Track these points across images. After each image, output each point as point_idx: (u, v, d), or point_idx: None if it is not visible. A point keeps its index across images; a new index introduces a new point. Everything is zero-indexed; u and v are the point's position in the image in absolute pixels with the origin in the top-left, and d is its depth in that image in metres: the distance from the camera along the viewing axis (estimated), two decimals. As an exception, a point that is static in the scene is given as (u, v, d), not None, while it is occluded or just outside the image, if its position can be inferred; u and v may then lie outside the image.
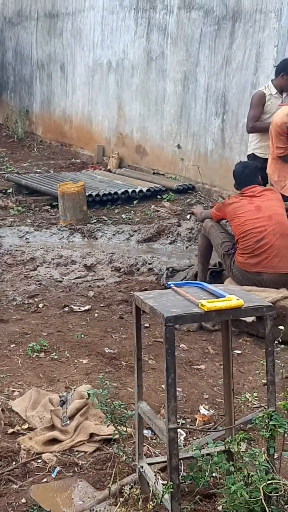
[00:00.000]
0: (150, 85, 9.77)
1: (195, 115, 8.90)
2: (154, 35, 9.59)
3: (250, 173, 5.01)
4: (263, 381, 3.91)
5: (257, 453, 2.51)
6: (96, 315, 5.04)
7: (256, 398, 3.69)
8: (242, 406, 3.70)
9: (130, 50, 10.14)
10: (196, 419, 3.60)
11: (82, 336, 4.61)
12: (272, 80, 6.13)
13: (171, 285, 2.89)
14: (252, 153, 6.23)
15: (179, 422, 3.46)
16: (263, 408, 3.65)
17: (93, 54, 11.13)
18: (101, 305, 5.26)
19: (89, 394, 3.10)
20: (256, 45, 7.81)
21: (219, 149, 8.52)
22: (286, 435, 2.71)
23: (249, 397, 3.68)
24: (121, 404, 3.12)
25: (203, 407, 3.74)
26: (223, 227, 5.30)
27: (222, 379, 3.88)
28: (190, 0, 8.80)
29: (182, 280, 5.64)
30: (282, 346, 3.89)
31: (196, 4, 8.70)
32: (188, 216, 7.70)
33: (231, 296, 2.62)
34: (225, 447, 2.71)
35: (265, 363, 3.89)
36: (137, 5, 9.91)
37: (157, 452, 3.27)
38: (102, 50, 10.86)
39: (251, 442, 3.24)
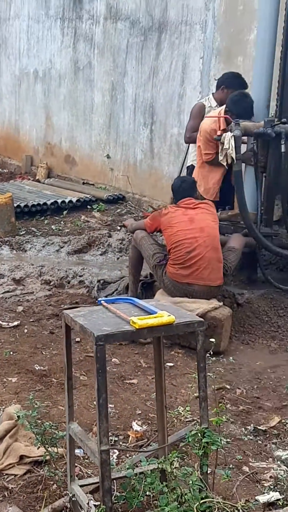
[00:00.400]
0: (78, 95, 9.71)
1: (124, 125, 8.89)
2: (81, 45, 9.55)
3: (188, 188, 5.05)
4: (195, 394, 3.91)
5: (190, 472, 2.48)
6: (26, 330, 4.92)
7: (188, 412, 3.67)
8: (175, 420, 3.67)
9: (57, 60, 10.06)
10: (129, 436, 3.55)
11: (11, 353, 4.49)
12: (213, 93, 6.18)
13: (102, 301, 2.84)
14: (191, 165, 6.26)
15: (111, 440, 3.40)
16: (195, 421, 3.64)
17: (19, 63, 10.98)
18: (31, 320, 5.14)
19: (18, 416, 3.00)
20: (182, 56, 7.87)
21: (148, 159, 8.54)
22: (219, 450, 2.70)
23: (182, 411, 3.66)
24: (52, 425, 3.04)
25: (136, 423, 3.69)
26: (154, 239, 5.29)
27: (155, 394, 3.86)
28: (116, 10, 8.81)
29: (113, 292, 5.59)
30: (214, 358, 3.90)
31: (122, 15, 8.71)
32: (118, 227, 7.67)
33: (162, 312, 2.59)
34: (158, 466, 2.67)
35: (196, 375, 3.91)
36: (63, 14, 9.84)
37: (89, 472, 3.19)
38: (29, 59, 10.72)
39: (184, 457, 3.22)
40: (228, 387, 4.16)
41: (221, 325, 4.62)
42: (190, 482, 2.43)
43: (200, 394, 2.65)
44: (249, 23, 6.98)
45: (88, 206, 8.63)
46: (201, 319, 2.62)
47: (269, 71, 5.45)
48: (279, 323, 5.03)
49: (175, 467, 2.58)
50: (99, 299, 2.90)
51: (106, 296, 5.54)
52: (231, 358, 4.46)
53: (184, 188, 5.04)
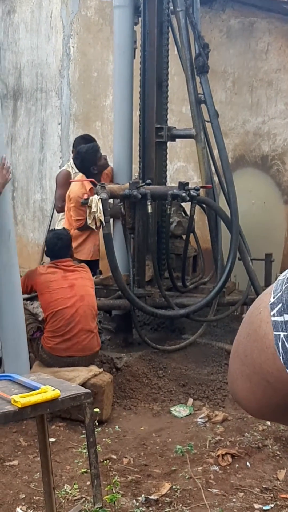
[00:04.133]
0: None
1: (-17, 193, 8.66)
2: None
3: (64, 246, 4.83)
4: (82, 470, 3.71)
5: None
6: None
7: (76, 490, 3.45)
8: (62, 501, 3.43)
9: None
10: (14, 524, 3.27)
11: None
12: (73, 158, 6.14)
13: (-24, 381, 2.61)
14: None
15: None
16: (84, 499, 3.43)
17: None
18: None
19: None
20: (40, 122, 7.86)
21: (11, 227, 8.33)
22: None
23: (69, 490, 3.44)
24: None
25: (21, 508, 3.41)
26: (25, 307, 5.07)
27: (38, 474, 3.61)
28: None
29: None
30: (99, 429, 3.72)
31: (-25, 83, 8.61)
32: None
33: (45, 387, 2.42)
34: None
35: (81, 450, 3.71)
36: None
37: None
38: None
39: None
40: (115, 457, 3.97)
41: (102, 391, 4.46)
42: None
43: (91, 471, 2.48)
44: (104, 89, 7.13)
45: None
46: (88, 391, 2.48)
47: (128, 135, 5.54)
48: (159, 384, 4.95)
49: None
50: (-26, 378, 2.67)
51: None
52: (116, 426, 4.30)
53: (60, 247, 4.82)
